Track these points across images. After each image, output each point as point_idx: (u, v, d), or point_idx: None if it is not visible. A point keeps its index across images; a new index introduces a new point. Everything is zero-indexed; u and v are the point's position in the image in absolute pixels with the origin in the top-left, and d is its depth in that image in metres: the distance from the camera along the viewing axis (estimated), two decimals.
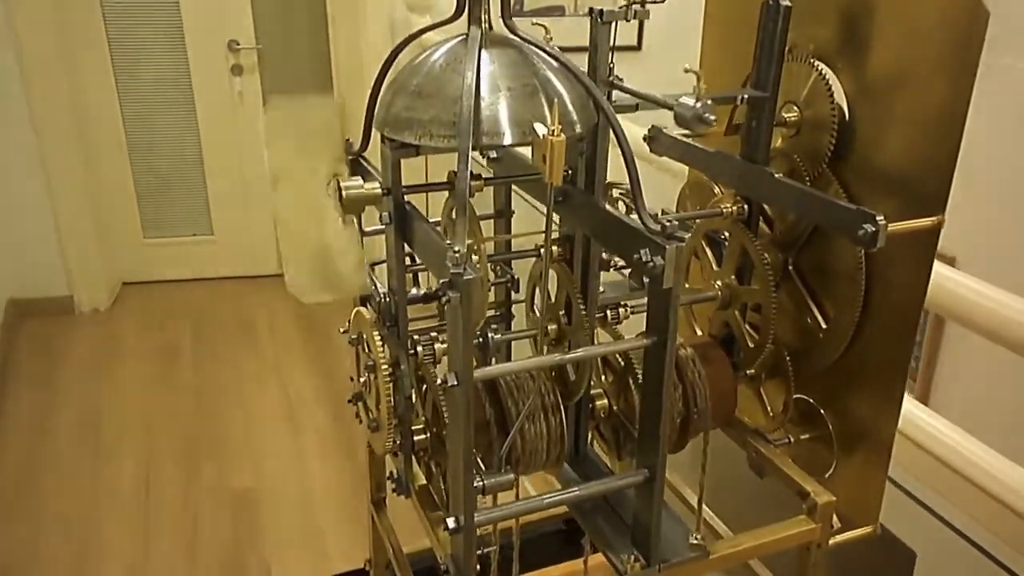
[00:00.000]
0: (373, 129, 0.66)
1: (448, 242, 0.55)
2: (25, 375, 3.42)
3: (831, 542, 0.73)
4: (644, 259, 0.57)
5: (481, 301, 0.58)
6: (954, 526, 1.18)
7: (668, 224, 0.57)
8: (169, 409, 3.29)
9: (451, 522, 0.59)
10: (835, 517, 0.74)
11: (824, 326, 0.76)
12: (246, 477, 2.94)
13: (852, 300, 0.72)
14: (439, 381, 0.56)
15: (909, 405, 1.13)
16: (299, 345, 3.69)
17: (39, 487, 2.87)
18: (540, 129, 0.55)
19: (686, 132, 0.85)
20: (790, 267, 0.78)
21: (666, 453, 0.63)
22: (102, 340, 3.64)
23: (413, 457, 0.71)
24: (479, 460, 0.64)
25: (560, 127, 0.54)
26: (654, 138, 0.82)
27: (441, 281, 0.53)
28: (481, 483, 0.61)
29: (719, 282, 0.79)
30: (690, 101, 0.64)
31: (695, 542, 0.67)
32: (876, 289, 0.71)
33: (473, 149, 0.57)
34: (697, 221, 0.79)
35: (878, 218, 0.61)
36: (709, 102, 0.64)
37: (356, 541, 2.67)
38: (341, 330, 0.77)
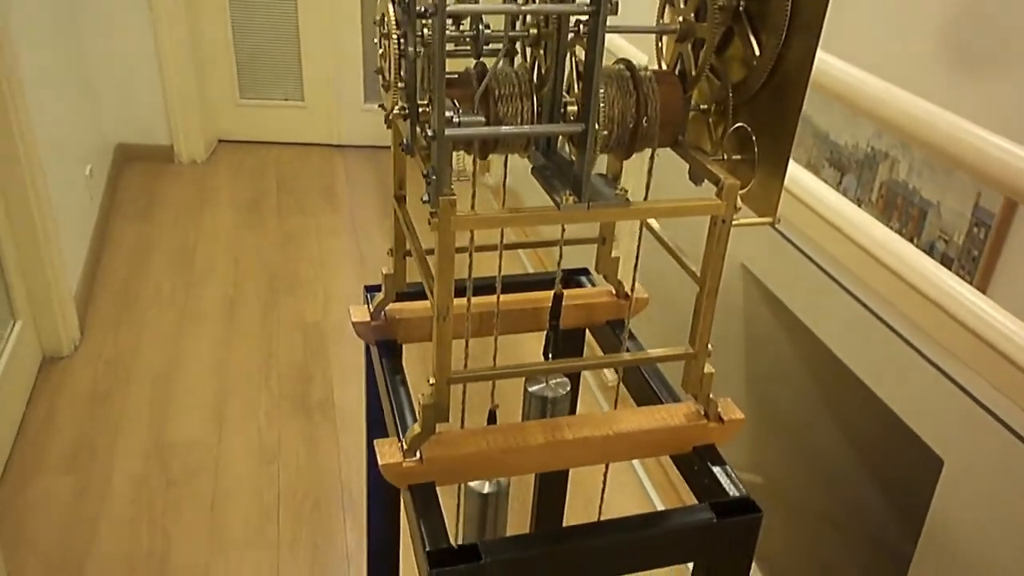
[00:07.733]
0: None
1: None
2: (130, 211, 3.80)
3: (736, 223, 0.91)
4: None
5: None
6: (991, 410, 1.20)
7: None
8: (254, 250, 3.62)
9: (429, 131, 0.80)
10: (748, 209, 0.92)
11: (758, 53, 0.93)
12: (317, 311, 3.25)
13: (779, 28, 0.89)
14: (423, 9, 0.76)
15: (965, 291, 1.18)
16: (375, 208, 3.95)
17: (140, 302, 3.25)
18: None
19: None
20: (741, 8, 0.95)
21: (598, 106, 0.83)
22: (198, 188, 3.99)
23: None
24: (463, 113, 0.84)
25: None
26: None
27: None
28: (457, 119, 0.81)
29: (680, 18, 0.96)
30: None
31: (619, 192, 0.86)
32: (793, 28, 0.88)
33: None
34: None
35: None
36: None
37: None
38: (374, 21, 0.96)
